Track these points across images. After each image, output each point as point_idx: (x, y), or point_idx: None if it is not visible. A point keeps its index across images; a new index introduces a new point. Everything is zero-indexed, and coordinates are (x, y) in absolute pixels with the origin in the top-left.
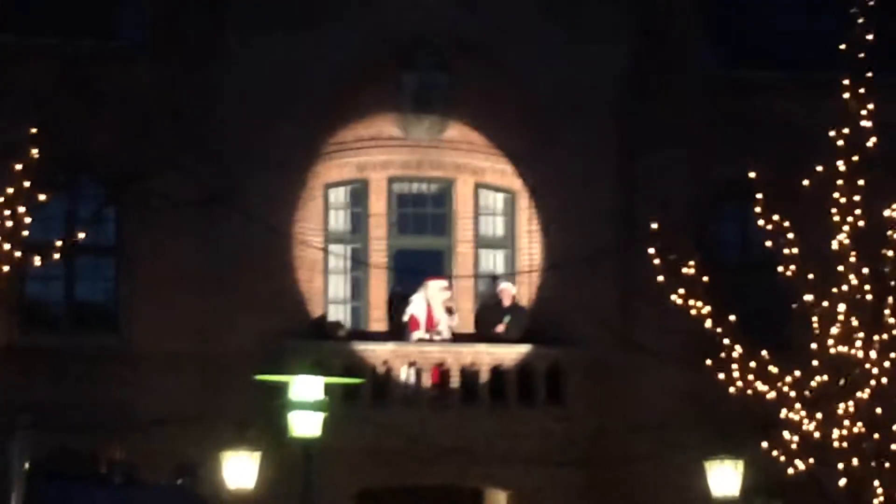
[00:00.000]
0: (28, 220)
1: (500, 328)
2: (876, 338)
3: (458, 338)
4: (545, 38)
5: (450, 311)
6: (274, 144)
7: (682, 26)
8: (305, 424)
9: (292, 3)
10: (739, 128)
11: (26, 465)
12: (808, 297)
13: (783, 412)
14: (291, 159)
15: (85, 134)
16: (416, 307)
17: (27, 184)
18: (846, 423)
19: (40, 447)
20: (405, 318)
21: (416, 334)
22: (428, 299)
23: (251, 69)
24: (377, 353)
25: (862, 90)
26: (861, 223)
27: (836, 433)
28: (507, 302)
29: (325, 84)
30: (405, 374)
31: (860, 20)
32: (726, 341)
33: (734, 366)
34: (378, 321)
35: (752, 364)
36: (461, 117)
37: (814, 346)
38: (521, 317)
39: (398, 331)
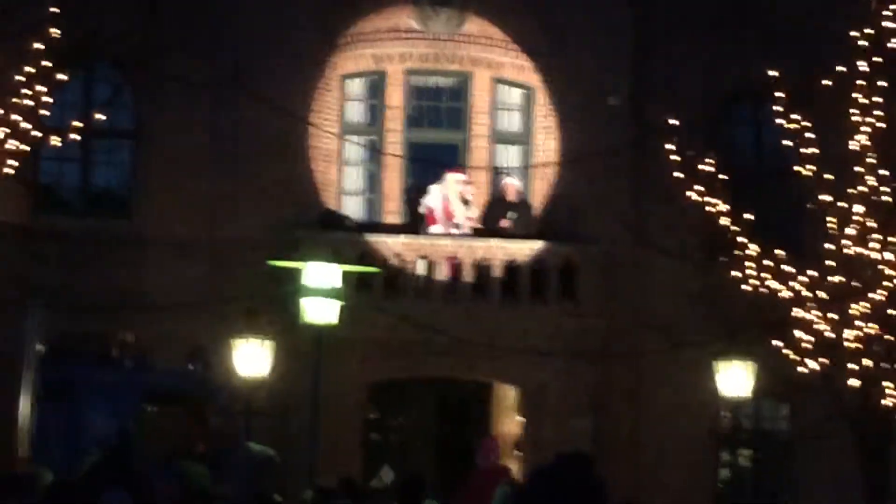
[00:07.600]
0: (47, 99)
1: (505, 223)
2: (891, 239)
3: (473, 232)
4: None
5: (466, 202)
6: (290, 33)
7: None
8: (320, 311)
9: None
10: (758, 26)
11: (39, 347)
12: (825, 198)
13: (796, 312)
14: (308, 48)
15: (100, 15)
16: (432, 199)
17: (46, 63)
18: (859, 323)
19: (52, 329)
20: (421, 209)
21: (434, 227)
22: (445, 192)
23: None
24: (389, 245)
25: None
26: (881, 124)
27: (848, 334)
28: (511, 197)
29: None
30: (420, 266)
31: None
32: (741, 239)
33: (748, 264)
34: (392, 213)
35: (767, 263)
36: (479, 11)
37: (829, 246)
38: (526, 212)
39: (414, 223)
